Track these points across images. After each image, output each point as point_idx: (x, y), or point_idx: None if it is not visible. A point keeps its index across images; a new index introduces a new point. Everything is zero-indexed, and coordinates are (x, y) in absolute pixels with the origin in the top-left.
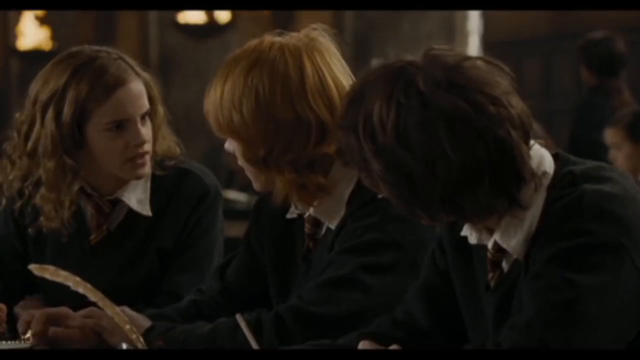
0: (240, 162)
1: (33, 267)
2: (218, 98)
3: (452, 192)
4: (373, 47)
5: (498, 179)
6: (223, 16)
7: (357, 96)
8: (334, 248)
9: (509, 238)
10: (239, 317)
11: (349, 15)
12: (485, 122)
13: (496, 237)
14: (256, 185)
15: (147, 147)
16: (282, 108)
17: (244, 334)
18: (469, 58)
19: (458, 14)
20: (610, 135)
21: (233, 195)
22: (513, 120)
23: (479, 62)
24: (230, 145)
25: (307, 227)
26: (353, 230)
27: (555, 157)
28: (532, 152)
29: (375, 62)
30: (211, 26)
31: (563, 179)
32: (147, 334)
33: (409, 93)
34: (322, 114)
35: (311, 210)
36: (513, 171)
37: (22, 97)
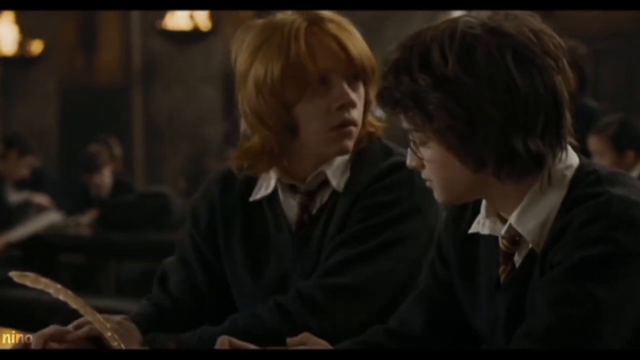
0: None
1: (14, 274)
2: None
3: (510, 127)
4: None
5: (548, 123)
6: (205, 22)
7: (409, 42)
8: (353, 218)
9: (525, 222)
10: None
11: None
12: (547, 61)
13: (512, 220)
14: None
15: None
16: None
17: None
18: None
19: (443, 18)
20: (594, 143)
21: None
22: (566, 78)
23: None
24: None
25: (300, 198)
26: (375, 205)
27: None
28: None
29: None
30: (194, 32)
31: (588, 176)
32: (151, 342)
33: (474, 25)
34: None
35: (323, 167)
36: (559, 122)
37: (7, 101)
